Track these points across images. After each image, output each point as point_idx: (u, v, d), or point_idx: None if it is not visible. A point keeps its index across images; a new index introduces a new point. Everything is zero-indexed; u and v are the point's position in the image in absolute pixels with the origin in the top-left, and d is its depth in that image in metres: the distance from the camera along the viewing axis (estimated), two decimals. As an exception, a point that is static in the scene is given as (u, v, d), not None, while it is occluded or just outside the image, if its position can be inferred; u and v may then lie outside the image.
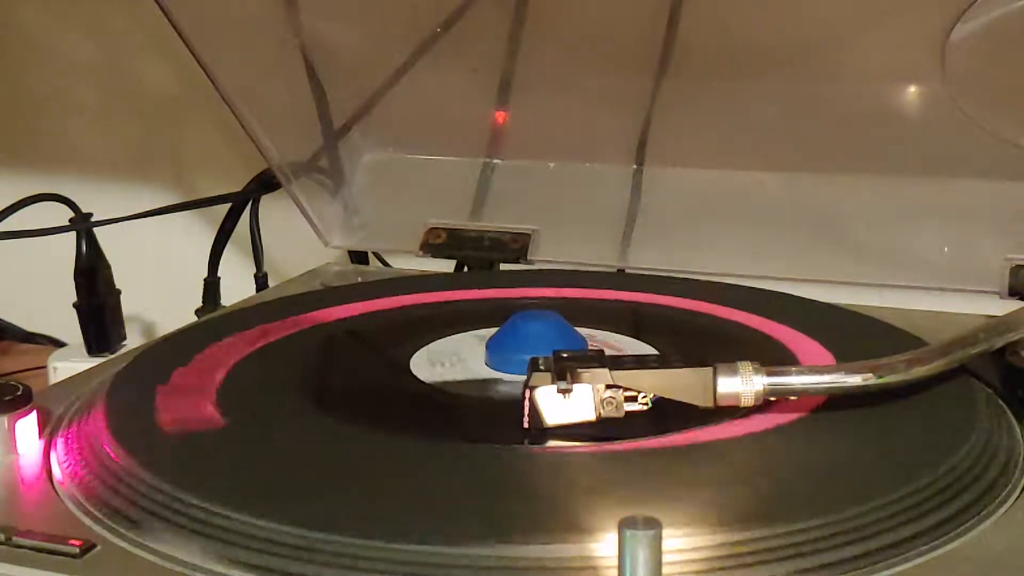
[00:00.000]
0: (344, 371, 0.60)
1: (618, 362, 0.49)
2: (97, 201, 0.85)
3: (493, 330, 0.59)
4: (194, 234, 0.99)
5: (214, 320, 0.68)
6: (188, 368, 0.55)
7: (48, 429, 0.51)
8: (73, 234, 0.82)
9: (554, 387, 0.47)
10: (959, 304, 0.69)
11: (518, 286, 0.71)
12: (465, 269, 0.83)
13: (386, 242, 0.86)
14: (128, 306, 0.85)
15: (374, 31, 0.80)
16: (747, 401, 0.47)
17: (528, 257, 0.79)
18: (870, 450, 0.46)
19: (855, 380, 0.47)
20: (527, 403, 0.48)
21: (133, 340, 0.85)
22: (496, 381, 0.55)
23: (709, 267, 0.75)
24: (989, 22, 0.65)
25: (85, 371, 0.60)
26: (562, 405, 0.48)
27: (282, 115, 0.83)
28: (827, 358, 0.57)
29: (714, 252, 0.76)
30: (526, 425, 0.48)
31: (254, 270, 0.87)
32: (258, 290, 0.85)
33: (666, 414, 0.48)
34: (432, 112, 0.83)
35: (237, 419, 0.49)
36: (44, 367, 0.85)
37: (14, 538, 0.41)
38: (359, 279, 0.78)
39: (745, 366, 0.47)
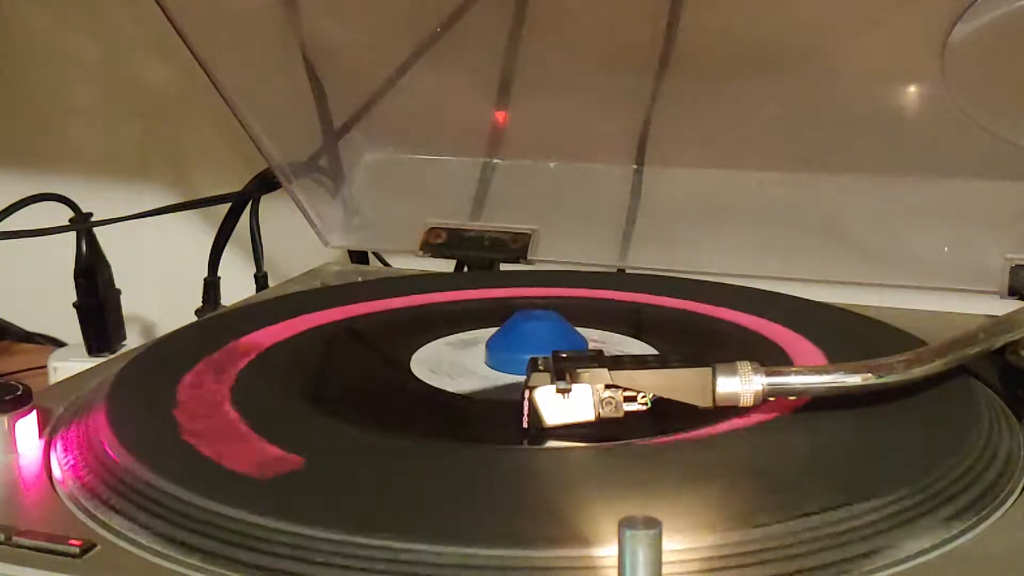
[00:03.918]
0: (342, 371, 0.60)
1: (617, 362, 0.49)
2: (97, 201, 0.85)
3: (493, 330, 0.59)
4: (194, 234, 0.99)
5: (213, 320, 0.68)
6: (189, 399, 0.53)
7: (48, 429, 0.51)
8: (73, 234, 0.82)
9: (553, 387, 0.47)
10: (959, 304, 0.69)
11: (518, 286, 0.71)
12: (465, 269, 0.83)
13: (386, 242, 0.86)
14: (128, 306, 0.85)
15: (374, 31, 0.80)
16: (746, 401, 0.47)
17: (528, 257, 0.79)
18: (870, 450, 0.46)
19: (855, 380, 0.47)
20: (526, 403, 0.48)
21: (133, 340, 0.85)
22: (497, 381, 0.55)
23: (709, 267, 0.75)
24: (989, 22, 0.65)
25: (85, 371, 0.60)
26: (561, 405, 0.48)
27: (282, 115, 0.83)
28: (820, 359, 0.57)
29: (714, 252, 0.76)
30: (525, 425, 0.48)
31: (254, 270, 0.87)
32: (258, 290, 0.85)
33: (665, 414, 0.48)
34: (432, 112, 0.83)
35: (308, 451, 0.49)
36: (44, 367, 0.85)
37: (14, 538, 0.41)
38: (359, 279, 0.78)
39: (744, 366, 0.47)
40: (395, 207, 0.85)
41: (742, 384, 0.47)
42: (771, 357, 0.56)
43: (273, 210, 0.87)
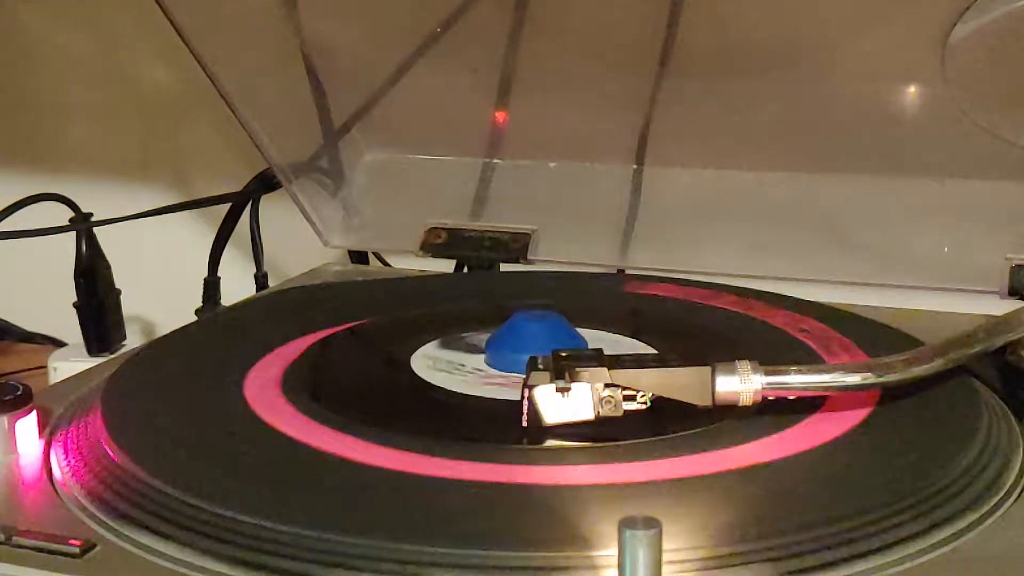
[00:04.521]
0: (343, 372, 0.60)
1: (617, 361, 0.49)
2: (97, 201, 0.85)
3: (493, 330, 0.59)
4: (194, 234, 0.99)
5: (213, 319, 0.68)
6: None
7: (48, 429, 0.51)
8: (73, 234, 0.82)
9: (553, 386, 0.47)
10: (959, 304, 0.69)
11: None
12: (465, 269, 0.83)
13: (386, 242, 0.86)
14: (128, 306, 0.85)
15: (374, 31, 0.80)
16: (745, 400, 0.47)
17: (528, 257, 0.79)
18: (870, 449, 0.46)
19: (854, 380, 0.47)
20: (526, 402, 0.48)
21: (133, 340, 0.85)
22: (496, 381, 0.55)
23: (709, 267, 0.75)
24: (989, 22, 0.65)
25: (85, 371, 0.60)
26: (561, 404, 0.48)
27: (282, 115, 0.83)
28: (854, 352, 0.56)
29: (714, 252, 0.76)
30: (525, 424, 0.48)
31: (254, 270, 0.87)
32: (258, 290, 0.85)
33: (665, 414, 0.48)
34: (432, 112, 0.83)
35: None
36: (44, 367, 0.85)
37: (14, 538, 0.41)
38: (359, 279, 0.78)
39: (744, 365, 0.47)
40: (395, 207, 0.85)
41: (741, 383, 0.47)
42: (781, 356, 0.56)
43: (273, 210, 0.87)
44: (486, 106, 0.81)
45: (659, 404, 0.48)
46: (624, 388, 0.48)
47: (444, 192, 0.84)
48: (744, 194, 0.77)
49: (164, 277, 0.98)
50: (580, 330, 0.59)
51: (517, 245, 0.80)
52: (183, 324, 0.66)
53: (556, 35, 0.77)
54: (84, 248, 0.82)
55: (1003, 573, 0.40)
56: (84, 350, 0.84)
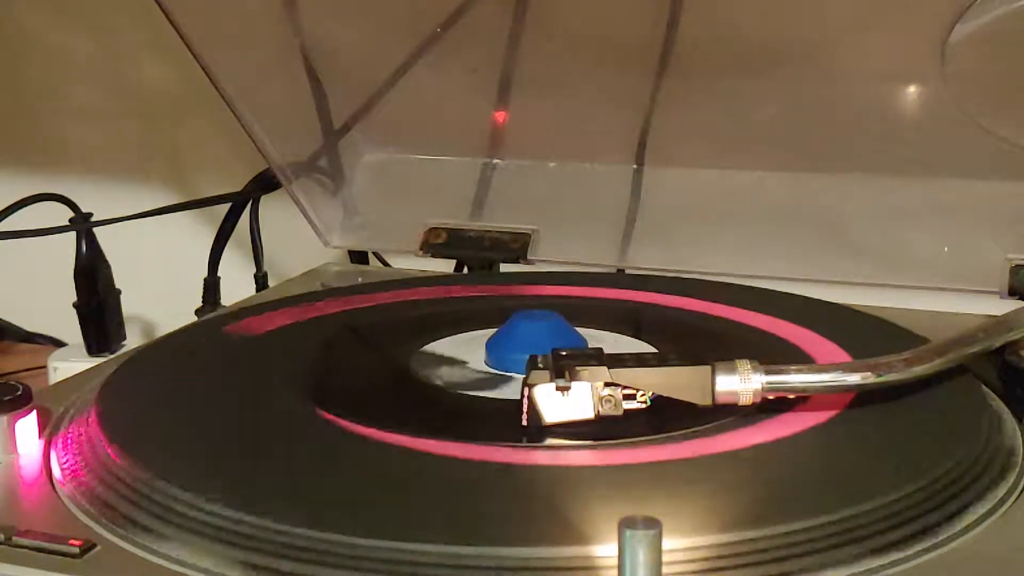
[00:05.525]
0: (343, 370, 0.60)
1: (617, 360, 0.49)
2: (97, 201, 0.85)
3: (493, 330, 0.59)
4: (194, 234, 0.99)
5: (213, 319, 0.68)
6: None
7: (48, 429, 0.51)
8: (73, 234, 0.82)
9: (552, 385, 0.47)
10: (959, 304, 0.69)
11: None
12: (465, 269, 0.83)
13: (386, 242, 0.86)
14: (128, 306, 0.85)
15: (374, 31, 0.80)
16: (745, 399, 0.47)
17: (528, 257, 0.79)
18: (870, 449, 0.46)
19: (854, 379, 0.47)
20: (526, 401, 0.48)
21: (133, 340, 0.85)
22: (496, 380, 0.55)
23: (709, 267, 0.75)
24: (989, 22, 0.65)
25: (85, 371, 0.60)
26: (561, 403, 0.48)
27: (282, 115, 0.83)
28: (839, 355, 0.56)
29: (714, 252, 0.76)
30: (525, 423, 0.48)
31: (254, 270, 0.87)
32: (258, 290, 0.85)
33: (665, 413, 0.48)
34: (432, 112, 0.83)
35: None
36: (44, 367, 0.85)
37: (14, 538, 0.41)
38: (359, 279, 0.78)
39: (743, 364, 0.47)
40: (395, 207, 0.85)
41: (741, 382, 0.47)
42: (775, 355, 0.56)
43: (273, 210, 0.87)
44: (486, 106, 0.81)
45: (659, 404, 0.48)
46: (624, 387, 0.48)
47: (444, 192, 0.84)
48: (744, 194, 0.77)
49: (164, 277, 0.98)
50: (580, 330, 0.59)
51: (517, 245, 0.80)
52: (183, 324, 0.67)
53: (556, 35, 0.77)
54: (84, 248, 0.82)
55: (1003, 573, 0.40)
56: (84, 350, 0.84)
